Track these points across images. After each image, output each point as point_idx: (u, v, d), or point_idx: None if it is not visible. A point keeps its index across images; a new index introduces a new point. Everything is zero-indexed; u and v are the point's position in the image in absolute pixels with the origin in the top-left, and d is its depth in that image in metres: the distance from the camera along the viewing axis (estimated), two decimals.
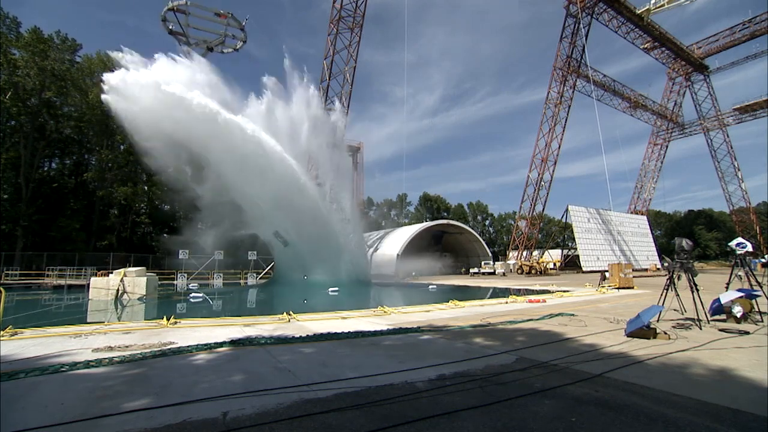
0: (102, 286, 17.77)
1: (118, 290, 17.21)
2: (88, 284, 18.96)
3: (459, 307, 11.94)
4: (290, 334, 7.24)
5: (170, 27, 27.13)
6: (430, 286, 25.48)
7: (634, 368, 4.77)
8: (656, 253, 58.57)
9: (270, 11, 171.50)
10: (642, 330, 6.59)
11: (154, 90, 21.63)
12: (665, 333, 6.72)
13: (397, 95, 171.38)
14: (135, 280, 17.91)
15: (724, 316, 8.38)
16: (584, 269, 45.91)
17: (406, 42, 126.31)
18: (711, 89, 66.85)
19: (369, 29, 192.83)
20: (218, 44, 27.40)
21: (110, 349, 5.97)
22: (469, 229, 58.18)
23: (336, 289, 21.03)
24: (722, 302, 8.28)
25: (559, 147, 48.99)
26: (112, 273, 18.70)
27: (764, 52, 58.61)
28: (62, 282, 27.63)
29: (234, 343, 6.30)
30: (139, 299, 17.11)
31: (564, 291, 18.34)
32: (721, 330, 7.32)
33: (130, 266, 21.08)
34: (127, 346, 6.14)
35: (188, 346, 5.98)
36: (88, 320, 12.21)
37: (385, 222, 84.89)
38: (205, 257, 37.45)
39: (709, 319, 8.24)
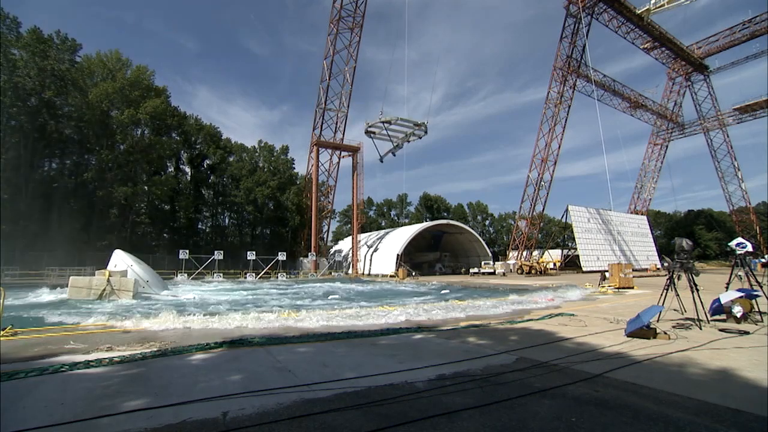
0: (83, 286, 16.77)
1: (103, 290, 16.63)
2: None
3: (459, 307, 11.93)
4: (290, 333, 7.24)
5: (373, 131, 30.77)
6: (430, 285, 25.51)
7: (634, 368, 4.77)
8: (656, 253, 58.53)
9: (271, 7, 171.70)
10: (642, 330, 6.59)
11: None
12: (665, 333, 6.72)
13: (399, 93, 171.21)
14: (121, 281, 17.30)
15: (724, 316, 8.38)
16: (584, 269, 45.88)
17: (407, 40, 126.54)
18: (711, 89, 66.86)
19: (371, 26, 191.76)
20: (407, 141, 31.06)
21: (110, 349, 5.97)
22: (469, 229, 58.13)
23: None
24: (722, 302, 8.28)
25: (559, 147, 49.08)
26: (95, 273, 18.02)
27: (764, 52, 58.57)
28: (63, 282, 27.57)
29: (233, 342, 6.30)
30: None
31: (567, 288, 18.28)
32: (721, 330, 7.32)
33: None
34: (126, 346, 6.14)
35: (188, 346, 5.98)
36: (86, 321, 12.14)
37: (385, 222, 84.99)
38: (205, 257, 37.50)
39: (709, 319, 8.24)
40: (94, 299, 16.28)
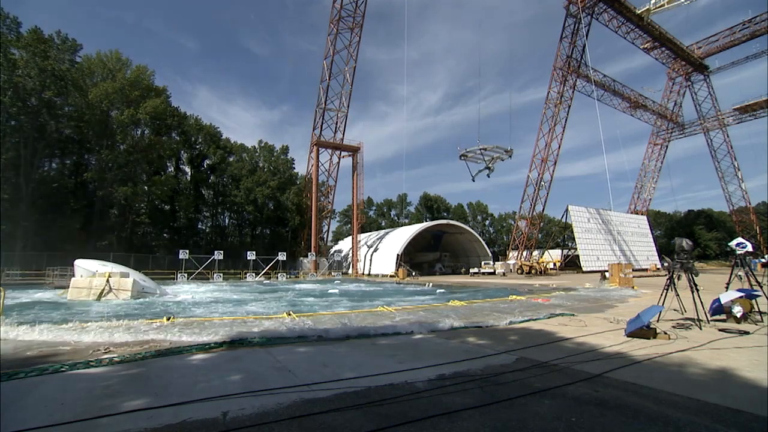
0: (83, 286, 17.04)
1: (102, 291, 16.72)
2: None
3: (459, 307, 11.93)
4: (290, 333, 7.23)
5: (467, 155, 35.45)
6: (429, 285, 25.52)
7: (634, 368, 4.76)
8: (656, 253, 58.53)
9: (271, 7, 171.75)
10: (642, 330, 6.58)
11: None
12: (665, 333, 6.72)
13: (400, 93, 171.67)
14: (120, 281, 17.41)
15: (724, 316, 8.38)
16: (584, 269, 45.89)
17: (406, 39, 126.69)
18: (711, 89, 66.86)
19: (372, 26, 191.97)
20: (494, 162, 35.77)
21: (109, 349, 5.96)
22: (469, 229, 58.14)
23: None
24: (722, 302, 8.27)
25: (559, 147, 49.13)
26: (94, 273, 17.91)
27: (764, 52, 58.60)
28: (63, 282, 27.54)
29: (233, 342, 6.30)
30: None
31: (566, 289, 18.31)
32: (721, 330, 7.31)
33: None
34: (126, 346, 6.14)
35: (188, 346, 5.98)
36: (85, 320, 12.15)
37: (385, 222, 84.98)
38: (205, 257, 37.49)
39: (709, 319, 8.23)
40: (94, 299, 16.33)
